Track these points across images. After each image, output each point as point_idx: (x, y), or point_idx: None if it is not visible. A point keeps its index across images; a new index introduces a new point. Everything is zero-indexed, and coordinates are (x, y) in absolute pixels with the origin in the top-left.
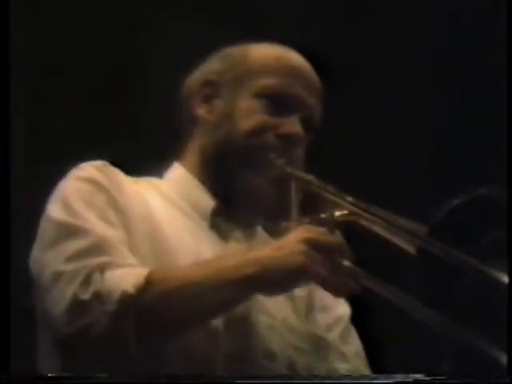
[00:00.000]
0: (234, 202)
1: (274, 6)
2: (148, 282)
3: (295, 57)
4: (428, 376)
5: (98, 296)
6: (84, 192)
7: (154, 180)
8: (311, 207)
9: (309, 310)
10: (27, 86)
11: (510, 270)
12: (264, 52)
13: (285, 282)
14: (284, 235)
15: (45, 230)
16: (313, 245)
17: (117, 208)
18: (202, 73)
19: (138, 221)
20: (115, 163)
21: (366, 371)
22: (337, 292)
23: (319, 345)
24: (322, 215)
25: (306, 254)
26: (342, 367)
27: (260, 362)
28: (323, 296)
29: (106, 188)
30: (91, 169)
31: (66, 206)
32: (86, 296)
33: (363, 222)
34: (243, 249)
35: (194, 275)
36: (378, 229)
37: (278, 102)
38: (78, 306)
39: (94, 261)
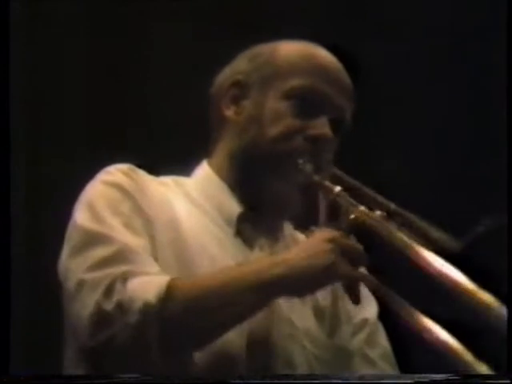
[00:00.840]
0: (260, 208)
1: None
2: (170, 291)
3: (325, 55)
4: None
5: (121, 306)
6: (111, 198)
7: (181, 179)
8: (337, 212)
9: (334, 320)
10: (27, 86)
11: (510, 269)
12: (292, 50)
13: (313, 282)
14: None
15: (71, 236)
16: (338, 245)
17: (142, 215)
18: (231, 72)
19: (163, 228)
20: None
21: (392, 372)
22: (358, 295)
23: (341, 354)
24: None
25: (335, 252)
26: (367, 372)
27: (280, 371)
28: (347, 303)
29: (132, 194)
30: (118, 173)
31: (92, 213)
32: (109, 306)
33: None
34: (266, 256)
35: (218, 281)
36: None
37: (306, 103)
38: (100, 317)
39: (117, 269)
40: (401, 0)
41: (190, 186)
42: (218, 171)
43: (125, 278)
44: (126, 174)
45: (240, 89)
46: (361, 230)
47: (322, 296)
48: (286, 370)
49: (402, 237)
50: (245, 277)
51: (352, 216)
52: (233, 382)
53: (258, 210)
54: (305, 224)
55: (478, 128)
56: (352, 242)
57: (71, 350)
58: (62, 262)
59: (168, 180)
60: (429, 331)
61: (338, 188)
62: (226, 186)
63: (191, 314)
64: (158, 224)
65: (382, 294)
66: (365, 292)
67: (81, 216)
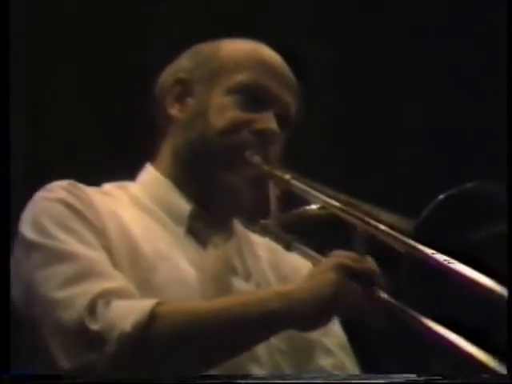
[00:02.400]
0: (210, 203)
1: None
2: (153, 317)
3: (268, 52)
4: (422, 376)
5: (102, 333)
6: (58, 215)
7: (126, 184)
8: (289, 203)
9: None
10: (27, 86)
11: (510, 269)
12: (236, 47)
13: (315, 316)
14: (263, 233)
15: (29, 255)
16: (345, 271)
17: (93, 229)
18: (174, 71)
19: (115, 238)
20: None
21: (351, 362)
22: (367, 319)
23: (303, 345)
24: (301, 209)
25: (338, 283)
26: (327, 362)
27: (248, 366)
28: None
29: (78, 209)
30: (59, 190)
31: (43, 231)
32: (94, 327)
33: (343, 215)
34: (221, 254)
35: (214, 310)
36: (359, 223)
37: (251, 98)
38: (85, 336)
39: (93, 287)
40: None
41: (136, 190)
42: (164, 171)
43: (106, 298)
44: (67, 190)
45: (183, 86)
46: (323, 216)
47: (277, 281)
48: (252, 365)
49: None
50: (246, 306)
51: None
52: (233, 381)
53: (209, 206)
54: (255, 218)
55: (478, 128)
56: (365, 263)
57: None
58: (23, 281)
59: (111, 188)
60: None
61: (288, 175)
62: (173, 185)
63: (175, 343)
64: (109, 235)
65: (400, 316)
66: None
67: (32, 235)
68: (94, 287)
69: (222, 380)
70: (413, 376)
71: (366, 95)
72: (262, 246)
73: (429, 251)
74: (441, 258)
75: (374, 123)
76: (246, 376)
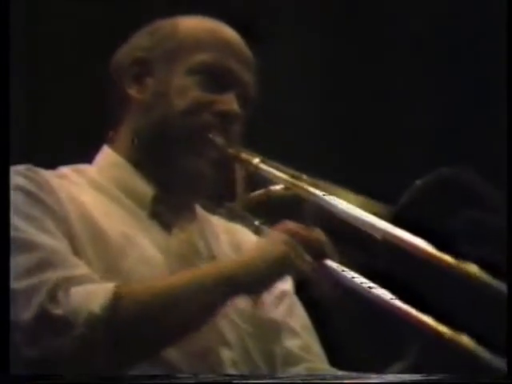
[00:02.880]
0: (172, 186)
1: None
2: (116, 299)
3: (227, 30)
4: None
5: (66, 319)
6: (17, 203)
7: (83, 168)
8: (254, 183)
9: None
10: (27, 86)
11: (510, 269)
12: (195, 25)
13: (268, 275)
14: (229, 215)
15: None
16: (294, 236)
17: (54, 216)
18: (131, 50)
19: (78, 224)
20: None
21: (316, 344)
22: (318, 291)
23: (270, 327)
24: (266, 190)
25: (288, 243)
26: (293, 344)
27: (220, 352)
28: None
29: (38, 196)
30: (16, 176)
31: None
32: (55, 312)
33: (305, 195)
34: (186, 236)
35: (168, 285)
36: (321, 200)
37: (213, 78)
38: (46, 322)
39: (52, 276)
40: None
41: (94, 173)
42: (124, 153)
43: (66, 285)
44: (24, 176)
45: (142, 66)
46: (287, 196)
47: None
48: (223, 348)
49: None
50: (199, 276)
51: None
52: (233, 381)
53: (172, 189)
54: (220, 201)
55: (478, 128)
56: (313, 233)
57: None
58: None
59: (67, 171)
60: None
61: (257, 159)
62: (134, 167)
63: (142, 320)
64: (71, 221)
65: (349, 286)
66: None
67: None
68: (53, 276)
69: (222, 380)
70: (417, 376)
71: (361, 90)
72: (221, 228)
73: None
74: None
75: (372, 120)
76: (247, 376)
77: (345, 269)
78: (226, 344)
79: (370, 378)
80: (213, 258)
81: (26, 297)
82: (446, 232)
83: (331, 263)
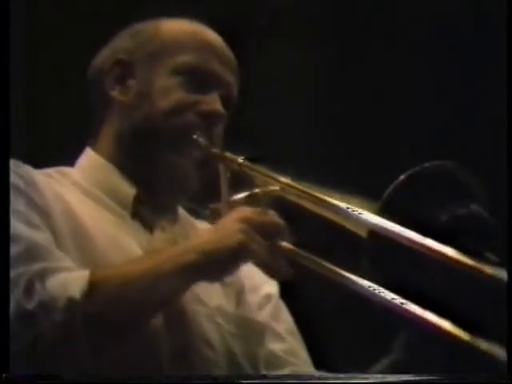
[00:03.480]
0: (155, 186)
1: None
2: (91, 284)
3: (209, 33)
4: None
5: (43, 306)
6: None
7: (64, 169)
8: (239, 185)
9: (239, 292)
10: (27, 86)
11: (510, 269)
12: (176, 27)
13: (226, 264)
14: (213, 217)
15: None
16: (250, 224)
17: (38, 210)
18: (112, 52)
19: (60, 220)
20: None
21: (301, 348)
22: (275, 273)
23: (254, 329)
24: (247, 193)
25: (245, 232)
26: (278, 347)
27: (202, 352)
28: (251, 276)
29: (23, 190)
30: None
31: None
32: (30, 305)
33: (292, 199)
34: (168, 237)
35: (135, 270)
36: (310, 205)
37: (195, 79)
38: (23, 317)
39: (31, 268)
40: None
41: (77, 175)
42: (106, 155)
43: (42, 276)
44: (12, 170)
45: (124, 68)
46: (280, 203)
47: None
48: (205, 349)
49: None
50: (161, 264)
51: (264, 189)
52: (233, 382)
53: (154, 190)
54: (203, 202)
55: (478, 128)
56: (268, 217)
57: None
58: None
59: (51, 172)
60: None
61: (241, 158)
62: (117, 168)
63: (116, 305)
64: (54, 216)
65: (307, 263)
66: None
67: None
68: (32, 267)
69: (223, 380)
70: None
71: (361, 92)
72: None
73: None
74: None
75: (371, 121)
76: (248, 376)
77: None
78: (208, 344)
79: (366, 378)
80: None
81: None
82: (430, 225)
83: (286, 244)
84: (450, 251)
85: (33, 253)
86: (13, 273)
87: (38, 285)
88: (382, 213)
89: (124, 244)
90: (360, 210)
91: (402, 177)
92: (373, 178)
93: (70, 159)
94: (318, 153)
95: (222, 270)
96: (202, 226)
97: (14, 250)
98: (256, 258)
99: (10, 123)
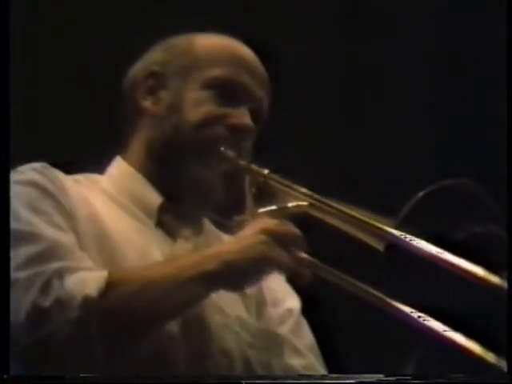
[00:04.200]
0: (181, 197)
1: None
2: (109, 284)
3: (242, 48)
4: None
5: (60, 303)
6: (29, 197)
7: (95, 177)
8: (264, 199)
9: (260, 305)
10: (27, 86)
11: (510, 271)
12: (210, 42)
13: (248, 275)
14: (238, 229)
15: None
16: (271, 235)
17: (63, 212)
18: (146, 64)
19: (85, 223)
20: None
21: (320, 366)
22: (297, 282)
23: (273, 341)
24: (275, 207)
25: (266, 243)
26: (297, 363)
27: (217, 361)
28: (273, 290)
29: (50, 192)
30: (32, 172)
31: (13, 213)
32: (46, 303)
33: (317, 214)
34: (191, 247)
35: (155, 274)
36: (334, 221)
37: (226, 93)
38: (38, 314)
39: (51, 266)
40: None
41: (105, 183)
42: (135, 164)
43: (60, 274)
44: (40, 172)
45: (156, 79)
46: (298, 214)
47: None
48: (221, 357)
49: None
50: (182, 269)
51: (290, 204)
52: (233, 382)
53: (180, 200)
54: (228, 214)
55: (477, 129)
56: (287, 228)
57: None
58: None
59: (80, 178)
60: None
61: (267, 170)
62: (144, 177)
63: (132, 306)
64: (80, 220)
65: (326, 274)
66: (286, 285)
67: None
68: (51, 267)
69: (225, 380)
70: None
71: (361, 93)
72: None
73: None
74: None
75: (370, 123)
76: (249, 376)
77: None
78: (225, 353)
79: (366, 378)
80: None
81: (24, 286)
82: (447, 243)
83: (306, 256)
84: (479, 271)
85: (53, 252)
86: (27, 272)
87: (56, 282)
88: (398, 229)
89: (146, 251)
90: (404, 234)
91: (420, 194)
92: (383, 194)
93: (70, 160)
94: (331, 168)
95: (242, 281)
96: (229, 239)
97: (34, 248)
98: (277, 269)
99: (9, 124)
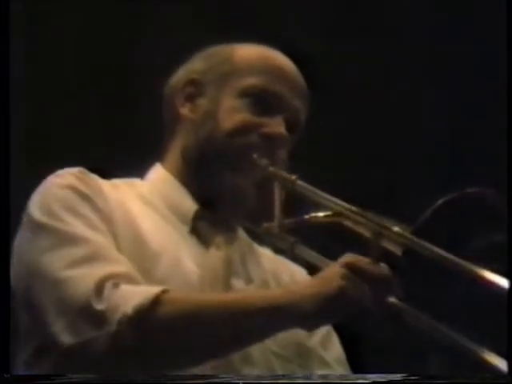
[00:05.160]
0: (215, 203)
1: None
2: (156, 303)
3: (280, 57)
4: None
5: (106, 313)
6: (67, 200)
7: (134, 181)
8: (295, 208)
9: None
10: (27, 87)
11: (510, 271)
12: (249, 51)
13: (322, 311)
14: (266, 236)
15: (38, 236)
16: (355, 270)
17: (101, 215)
18: (186, 72)
19: (122, 227)
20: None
21: None
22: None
23: (299, 351)
24: (306, 216)
25: (346, 276)
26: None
27: (239, 368)
28: None
29: (88, 196)
30: (70, 176)
31: (53, 215)
32: (99, 306)
33: (348, 223)
34: (223, 255)
35: (219, 300)
36: (363, 230)
37: (261, 102)
38: (89, 315)
39: (102, 270)
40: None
41: (143, 188)
42: (172, 170)
43: (116, 281)
44: (77, 177)
45: (195, 87)
46: (328, 224)
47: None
48: (243, 365)
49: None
50: (248, 300)
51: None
52: (233, 381)
53: (214, 207)
54: (259, 222)
55: (478, 129)
56: (376, 266)
57: (28, 351)
58: (28, 262)
59: (119, 182)
60: None
61: (294, 176)
62: (181, 184)
63: (179, 329)
64: (116, 223)
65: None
66: None
67: (41, 217)
68: (101, 270)
69: (223, 380)
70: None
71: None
72: (267, 258)
73: None
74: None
75: (378, 131)
76: (247, 376)
77: None
78: (248, 361)
79: (366, 379)
80: (250, 281)
81: (72, 285)
82: (464, 253)
83: (394, 300)
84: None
85: (97, 255)
86: (75, 272)
87: (109, 289)
88: (415, 236)
89: (179, 258)
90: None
91: (439, 201)
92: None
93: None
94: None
95: (316, 318)
96: (264, 251)
97: (78, 250)
98: (355, 306)
99: (9, 125)
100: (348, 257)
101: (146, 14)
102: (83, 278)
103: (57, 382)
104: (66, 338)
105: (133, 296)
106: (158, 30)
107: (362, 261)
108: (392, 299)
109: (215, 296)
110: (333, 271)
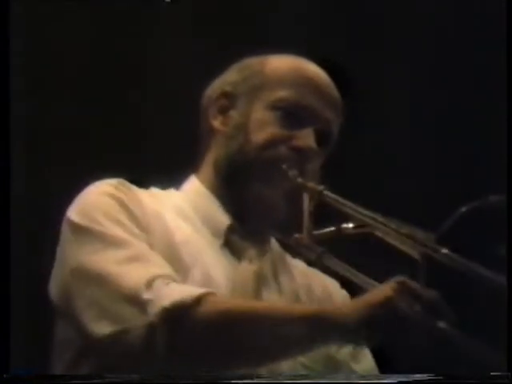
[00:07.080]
0: (245, 215)
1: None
2: (198, 302)
3: (313, 69)
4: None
5: (150, 303)
6: (107, 207)
7: (170, 192)
8: (324, 219)
9: None
10: (27, 87)
11: (510, 271)
12: (281, 64)
13: (363, 315)
14: (296, 247)
15: (84, 238)
16: (404, 286)
17: (138, 224)
18: (220, 83)
19: (157, 238)
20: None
21: None
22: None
23: (330, 365)
24: (334, 228)
25: (395, 289)
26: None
27: (265, 379)
28: None
29: (126, 204)
30: (107, 186)
31: (94, 219)
32: (146, 296)
33: (377, 234)
34: (256, 268)
35: (254, 306)
36: (390, 239)
37: (292, 114)
38: (131, 306)
39: (150, 270)
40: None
41: (179, 199)
42: (206, 183)
43: (166, 280)
44: (116, 187)
45: (228, 99)
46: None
47: (309, 302)
48: (269, 375)
49: None
50: (294, 310)
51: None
52: (233, 381)
53: (245, 219)
54: (289, 232)
55: (478, 129)
56: (427, 290)
57: (72, 350)
58: (72, 265)
59: (157, 192)
60: None
61: (321, 186)
62: (214, 196)
63: (220, 330)
64: (152, 232)
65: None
66: None
67: (82, 221)
68: (151, 269)
69: (223, 380)
70: (417, 376)
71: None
72: (299, 271)
73: None
74: None
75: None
76: (245, 376)
77: None
78: (276, 372)
79: (366, 379)
80: (281, 293)
81: (122, 277)
82: (486, 261)
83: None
84: None
85: (142, 257)
86: (125, 268)
87: (159, 285)
88: (438, 244)
89: (211, 271)
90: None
91: (462, 209)
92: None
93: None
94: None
95: (359, 325)
96: (297, 263)
97: (124, 252)
98: (400, 321)
99: (9, 127)
100: (403, 278)
101: (149, 14)
102: (137, 271)
103: (57, 382)
104: (103, 328)
105: (179, 293)
106: (162, 32)
107: (413, 283)
108: (442, 324)
109: (259, 303)
110: (384, 286)
